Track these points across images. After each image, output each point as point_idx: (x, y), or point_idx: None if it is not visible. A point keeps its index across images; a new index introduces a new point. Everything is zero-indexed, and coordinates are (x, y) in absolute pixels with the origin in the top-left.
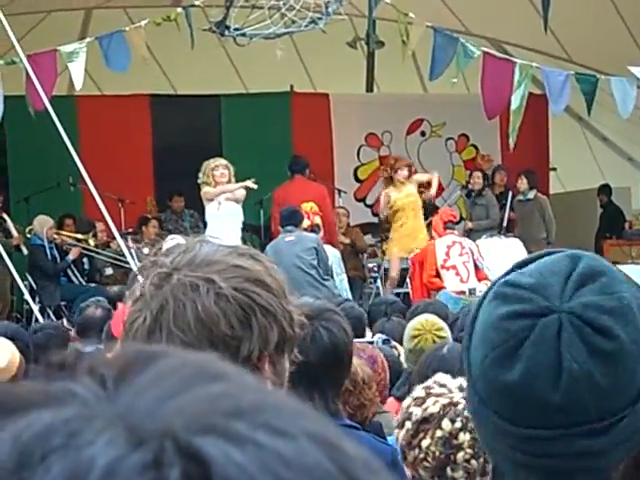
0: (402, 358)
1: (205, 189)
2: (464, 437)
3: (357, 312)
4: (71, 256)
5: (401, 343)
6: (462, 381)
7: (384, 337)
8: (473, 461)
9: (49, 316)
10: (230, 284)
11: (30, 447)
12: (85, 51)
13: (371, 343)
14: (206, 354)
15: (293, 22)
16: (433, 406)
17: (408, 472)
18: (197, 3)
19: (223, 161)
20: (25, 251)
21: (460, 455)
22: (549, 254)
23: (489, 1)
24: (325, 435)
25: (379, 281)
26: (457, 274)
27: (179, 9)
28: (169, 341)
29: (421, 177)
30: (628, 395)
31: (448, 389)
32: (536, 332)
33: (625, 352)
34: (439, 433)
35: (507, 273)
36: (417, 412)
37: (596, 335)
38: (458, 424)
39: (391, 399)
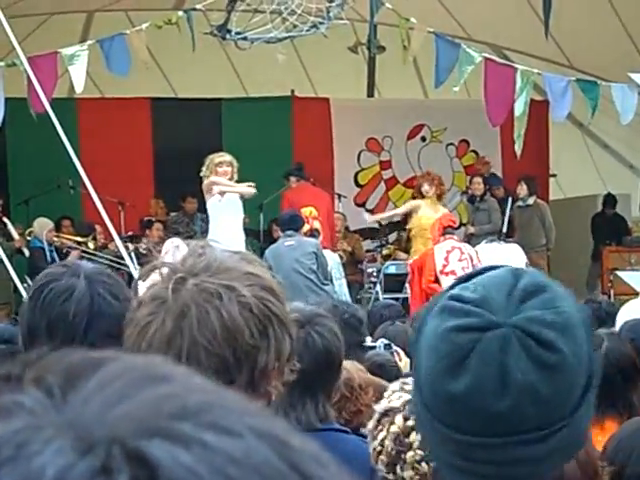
0: (402, 363)
1: (206, 182)
2: (415, 437)
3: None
4: (70, 258)
5: (404, 347)
6: None
7: (386, 342)
8: (423, 464)
9: None
10: (250, 292)
11: None
12: (86, 54)
13: (372, 348)
14: (151, 356)
15: (294, 26)
16: (396, 400)
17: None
18: (199, 7)
19: (228, 157)
20: (27, 253)
21: (409, 455)
22: (492, 268)
23: (490, 7)
24: (272, 431)
25: (378, 286)
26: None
27: (180, 12)
28: (191, 347)
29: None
30: (567, 406)
31: None
32: (482, 345)
33: (567, 365)
34: (393, 428)
35: (451, 287)
36: (383, 404)
37: (539, 348)
38: (411, 422)
39: None
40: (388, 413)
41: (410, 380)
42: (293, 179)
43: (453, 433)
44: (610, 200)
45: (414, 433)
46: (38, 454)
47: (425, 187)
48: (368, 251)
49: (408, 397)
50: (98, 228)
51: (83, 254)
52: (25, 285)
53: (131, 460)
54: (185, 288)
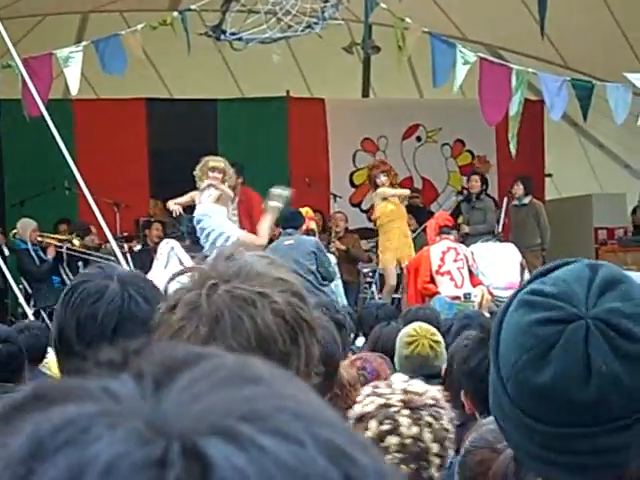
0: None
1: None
2: (391, 440)
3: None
4: (49, 255)
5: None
6: (414, 384)
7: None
8: (403, 466)
9: (44, 320)
10: (283, 299)
11: (44, 439)
12: (81, 55)
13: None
14: (252, 357)
15: (289, 27)
16: (369, 405)
17: None
18: (193, 7)
19: (222, 164)
20: (6, 252)
21: (387, 458)
22: (567, 263)
23: (485, 7)
24: (339, 444)
25: (374, 286)
26: (451, 279)
27: (175, 13)
28: None
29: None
30: None
31: (392, 390)
32: (565, 337)
33: None
34: (367, 434)
35: (530, 282)
36: (357, 409)
37: (621, 339)
38: (385, 427)
39: None
40: (362, 419)
41: (381, 383)
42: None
43: (539, 425)
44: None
45: (389, 437)
46: (97, 440)
47: (382, 178)
48: (365, 251)
49: (381, 401)
50: (94, 229)
51: (60, 250)
52: (21, 287)
53: (187, 456)
54: (217, 294)
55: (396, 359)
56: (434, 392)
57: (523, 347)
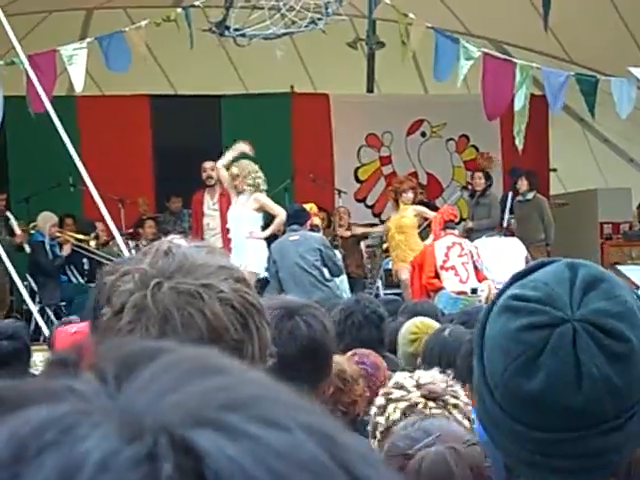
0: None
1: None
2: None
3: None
4: (64, 252)
5: None
6: (421, 376)
7: None
8: None
9: (49, 317)
10: (228, 287)
11: (25, 442)
12: (85, 52)
13: None
14: (207, 349)
15: (293, 22)
16: (394, 413)
17: None
18: (197, 3)
19: (234, 170)
20: (28, 249)
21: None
22: (544, 264)
23: (489, 2)
24: (322, 428)
25: (379, 281)
26: (456, 274)
27: (179, 9)
28: None
29: (425, 213)
30: (638, 391)
31: (406, 390)
32: (553, 342)
33: (636, 353)
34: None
35: (508, 286)
36: (381, 421)
37: (609, 339)
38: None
39: None
40: (392, 428)
41: (391, 387)
42: None
43: (532, 432)
44: None
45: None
46: (83, 439)
47: (409, 195)
48: (368, 247)
49: (404, 405)
50: (99, 226)
51: (82, 251)
52: (26, 283)
53: (177, 449)
54: (162, 292)
55: (400, 356)
56: (439, 375)
57: (510, 354)
